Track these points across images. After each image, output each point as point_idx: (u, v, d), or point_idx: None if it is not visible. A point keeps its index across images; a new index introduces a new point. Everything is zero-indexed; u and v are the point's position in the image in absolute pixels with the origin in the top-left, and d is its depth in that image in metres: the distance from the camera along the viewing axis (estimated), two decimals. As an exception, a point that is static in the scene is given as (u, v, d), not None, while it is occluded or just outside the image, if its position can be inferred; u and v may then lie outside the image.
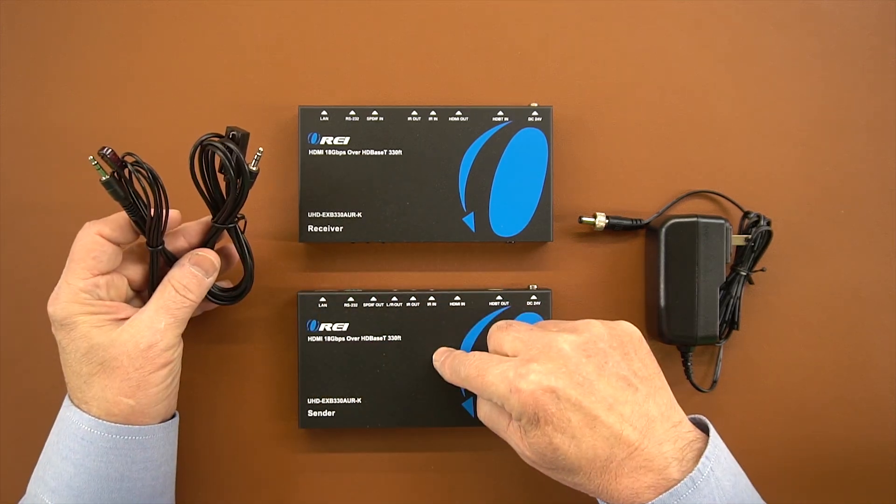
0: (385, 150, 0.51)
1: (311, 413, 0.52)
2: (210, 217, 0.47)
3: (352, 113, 0.51)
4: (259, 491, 0.55)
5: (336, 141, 0.51)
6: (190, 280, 0.45)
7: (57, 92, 0.53)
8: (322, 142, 0.51)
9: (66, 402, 0.45)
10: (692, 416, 0.43)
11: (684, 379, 0.54)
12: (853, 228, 0.55)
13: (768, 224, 0.53)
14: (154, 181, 0.42)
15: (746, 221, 0.54)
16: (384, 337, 0.52)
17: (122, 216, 0.45)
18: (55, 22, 0.53)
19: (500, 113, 0.52)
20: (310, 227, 0.51)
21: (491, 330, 0.45)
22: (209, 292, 0.47)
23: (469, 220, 0.52)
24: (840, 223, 0.55)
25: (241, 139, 0.43)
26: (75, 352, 0.43)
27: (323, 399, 0.52)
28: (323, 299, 0.51)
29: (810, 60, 0.55)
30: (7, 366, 0.54)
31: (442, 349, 0.50)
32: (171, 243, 0.47)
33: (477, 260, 0.55)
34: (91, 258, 0.43)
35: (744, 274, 0.53)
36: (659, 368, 0.43)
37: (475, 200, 0.52)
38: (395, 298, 0.52)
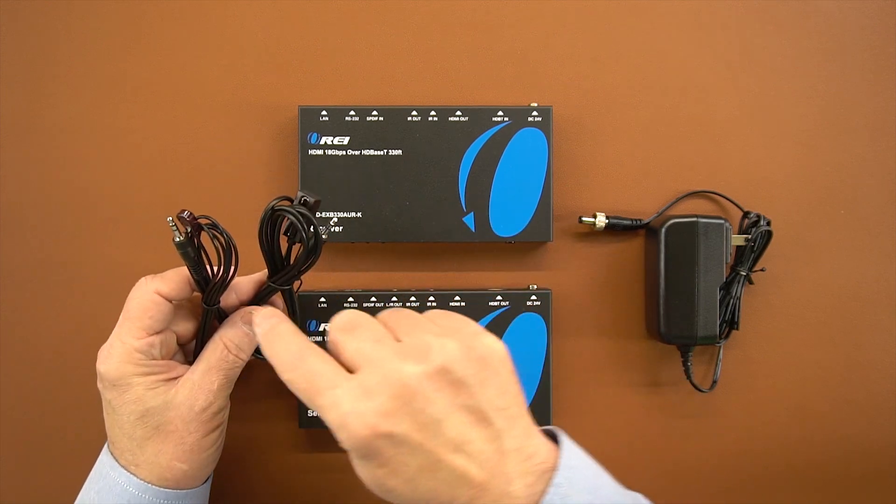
0: (385, 150, 0.51)
1: (311, 413, 0.52)
2: (263, 273, 0.46)
3: (352, 113, 0.51)
4: (259, 491, 0.55)
5: (336, 141, 0.51)
6: (242, 339, 0.44)
7: (57, 92, 0.53)
8: (322, 142, 0.51)
9: (110, 460, 0.43)
10: (544, 427, 0.39)
11: (684, 379, 0.54)
12: (853, 228, 0.55)
13: (768, 224, 0.53)
14: (229, 247, 0.41)
15: (746, 221, 0.54)
16: (384, 337, 0.52)
17: (180, 273, 0.43)
18: (55, 22, 0.53)
19: (500, 113, 0.52)
20: (310, 227, 0.51)
21: (336, 322, 0.38)
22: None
23: (469, 220, 0.52)
24: (840, 223, 0.55)
25: (313, 206, 0.41)
26: (129, 415, 0.42)
27: None
28: (323, 299, 0.51)
29: (810, 60, 0.55)
30: (7, 366, 0.54)
31: (268, 310, 0.42)
32: (223, 299, 0.45)
33: (477, 260, 0.55)
34: (148, 317, 0.42)
35: (744, 274, 0.53)
36: (520, 390, 0.37)
37: (475, 200, 0.52)
38: (394, 298, 0.52)
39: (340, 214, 0.51)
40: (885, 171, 0.55)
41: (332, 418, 0.34)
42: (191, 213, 0.40)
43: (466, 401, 0.35)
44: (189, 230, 0.41)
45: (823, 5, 0.55)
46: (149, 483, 0.41)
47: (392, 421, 0.34)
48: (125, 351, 0.41)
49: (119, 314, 0.50)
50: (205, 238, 0.41)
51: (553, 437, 0.38)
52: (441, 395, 0.35)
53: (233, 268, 0.42)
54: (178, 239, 0.41)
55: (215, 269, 0.42)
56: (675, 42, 0.55)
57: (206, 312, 0.44)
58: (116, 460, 0.42)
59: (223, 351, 0.43)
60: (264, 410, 0.54)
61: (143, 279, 0.43)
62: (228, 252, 0.41)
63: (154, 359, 0.42)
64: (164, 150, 0.54)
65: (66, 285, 0.54)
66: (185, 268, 0.43)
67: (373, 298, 0.52)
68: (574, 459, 0.36)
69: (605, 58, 0.55)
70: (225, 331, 0.44)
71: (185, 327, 0.45)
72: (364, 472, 0.35)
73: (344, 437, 0.34)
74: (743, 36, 0.55)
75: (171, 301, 0.43)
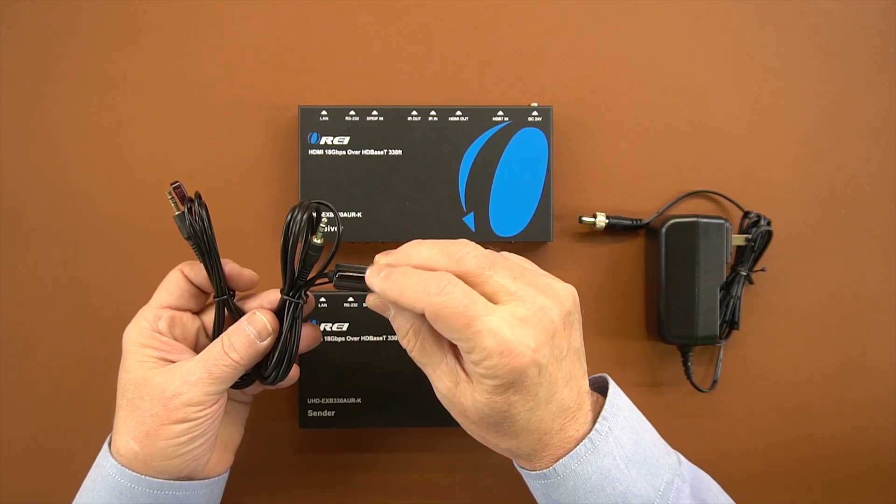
0: (385, 150, 0.51)
1: (310, 413, 0.52)
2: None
3: (352, 113, 0.51)
4: (259, 491, 0.55)
5: (336, 141, 0.51)
6: (239, 339, 0.42)
7: (57, 92, 0.53)
8: (322, 142, 0.51)
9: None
10: (593, 376, 0.42)
11: (684, 379, 0.54)
12: (853, 228, 0.55)
13: (768, 224, 0.53)
14: (203, 229, 0.42)
15: (746, 221, 0.54)
16: (384, 337, 0.52)
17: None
18: (55, 22, 0.53)
19: (500, 113, 0.52)
20: (310, 227, 0.51)
21: (465, 251, 0.37)
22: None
23: (469, 219, 0.52)
24: (840, 223, 0.55)
25: (309, 207, 0.41)
26: (120, 379, 0.42)
27: (323, 399, 0.52)
28: (323, 299, 0.51)
29: (810, 60, 0.55)
30: (8, 366, 0.54)
31: (381, 254, 0.41)
32: (247, 304, 0.45)
33: (477, 260, 0.55)
34: (165, 290, 0.44)
35: (744, 274, 0.53)
36: None
37: (475, 200, 0.52)
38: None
39: (340, 214, 0.51)
40: (885, 171, 0.55)
41: (492, 344, 0.35)
42: (180, 186, 0.41)
43: (574, 341, 0.39)
44: (184, 206, 0.42)
45: (823, 5, 0.55)
46: (111, 452, 0.42)
47: (542, 352, 0.36)
48: (138, 320, 0.43)
49: (118, 313, 0.50)
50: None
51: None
52: (566, 333, 0.38)
53: (210, 249, 0.42)
54: (175, 213, 0.42)
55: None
56: (675, 42, 0.55)
57: (217, 305, 0.44)
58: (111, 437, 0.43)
59: (217, 347, 0.42)
60: (264, 410, 0.54)
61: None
62: (203, 234, 0.42)
63: (159, 332, 0.43)
64: (165, 150, 0.54)
65: (65, 285, 0.54)
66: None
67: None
68: (619, 402, 0.40)
69: (605, 58, 0.55)
70: (229, 330, 0.43)
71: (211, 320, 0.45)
72: (493, 400, 0.36)
73: (500, 364, 0.35)
74: (743, 36, 0.55)
75: (193, 284, 0.44)
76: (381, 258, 0.41)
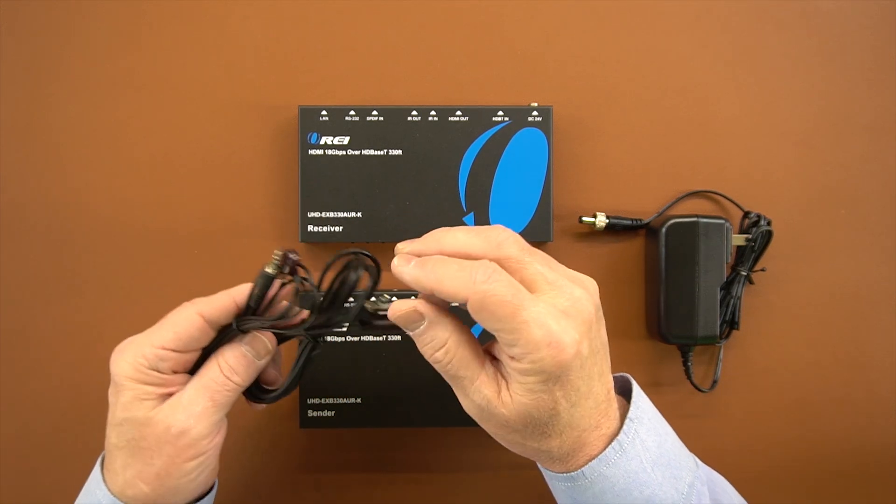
0: (385, 150, 0.51)
1: (311, 413, 0.52)
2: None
3: (352, 113, 0.51)
4: (259, 491, 0.55)
5: (336, 141, 0.51)
6: (238, 361, 0.40)
7: (57, 92, 0.53)
8: (322, 142, 0.51)
9: (99, 464, 0.41)
10: (615, 374, 0.41)
11: (684, 379, 0.54)
12: (853, 228, 0.55)
13: (768, 224, 0.53)
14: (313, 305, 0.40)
15: (747, 221, 0.54)
16: (384, 337, 0.52)
17: (230, 301, 0.40)
18: (55, 22, 0.53)
19: (500, 113, 0.51)
20: (310, 227, 0.51)
21: (505, 237, 0.36)
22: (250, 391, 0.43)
23: (469, 220, 0.52)
24: (840, 223, 0.55)
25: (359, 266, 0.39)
26: (113, 417, 0.39)
27: (323, 399, 0.52)
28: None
29: (810, 60, 0.55)
30: (8, 367, 0.54)
31: (403, 242, 0.39)
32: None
33: (477, 260, 0.55)
34: (173, 332, 0.39)
35: (744, 274, 0.53)
36: None
37: (475, 200, 0.52)
38: (394, 298, 0.51)
39: (340, 214, 0.51)
40: (885, 171, 0.55)
41: (539, 335, 0.33)
42: (296, 258, 0.39)
43: (603, 334, 0.38)
44: (286, 270, 0.39)
45: (823, 5, 0.55)
46: (113, 494, 0.39)
47: (584, 344, 0.34)
48: (134, 353, 0.39)
49: (117, 313, 0.50)
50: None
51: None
52: (598, 326, 0.37)
53: (294, 317, 0.40)
54: (268, 269, 0.39)
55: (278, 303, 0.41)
56: (675, 42, 0.55)
57: (228, 330, 0.41)
58: (101, 462, 0.41)
59: (215, 371, 0.40)
60: (265, 411, 0.54)
61: (194, 300, 0.41)
62: (311, 306, 0.40)
63: (157, 371, 0.39)
64: (165, 149, 0.54)
65: (65, 285, 0.54)
66: (232, 293, 0.40)
67: (372, 298, 0.51)
68: (643, 405, 0.40)
69: (605, 58, 0.55)
70: (224, 349, 0.41)
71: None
72: (535, 396, 0.34)
73: (549, 354, 0.33)
74: (743, 36, 0.55)
75: (209, 324, 0.40)
76: (404, 246, 0.38)
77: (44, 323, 0.54)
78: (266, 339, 0.41)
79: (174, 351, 0.39)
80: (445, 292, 0.35)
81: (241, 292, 0.40)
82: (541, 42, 0.55)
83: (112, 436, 0.39)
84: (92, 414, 0.53)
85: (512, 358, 0.34)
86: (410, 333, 0.38)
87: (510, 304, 0.33)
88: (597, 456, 0.37)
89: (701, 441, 0.56)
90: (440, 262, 0.36)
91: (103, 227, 0.54)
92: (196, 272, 0.54)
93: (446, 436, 0.55)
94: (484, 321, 0.34)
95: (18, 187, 0.53)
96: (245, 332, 0.41)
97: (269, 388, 0.44)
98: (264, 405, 0.44)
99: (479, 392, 0.36)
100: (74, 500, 0.43)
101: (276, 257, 0.39)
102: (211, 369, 0.40)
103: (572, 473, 0.37)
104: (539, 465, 0.41)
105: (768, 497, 0.56)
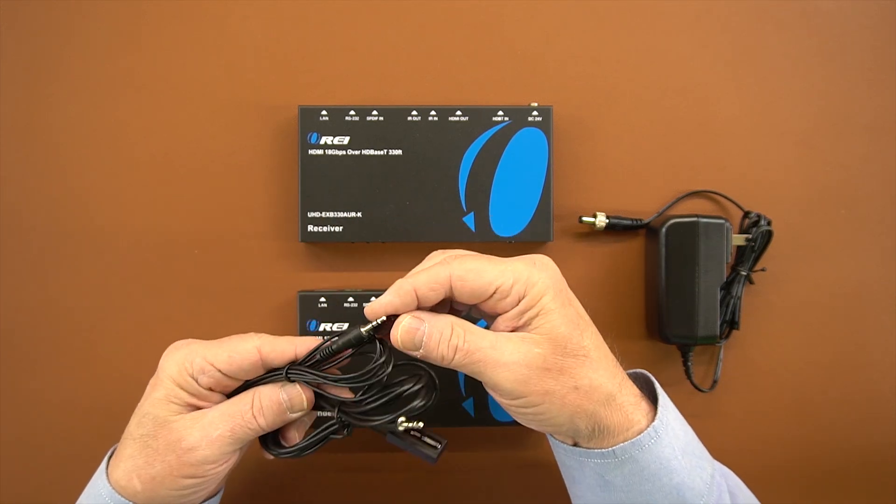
0: (385, 150, 0.51)
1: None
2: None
3: (352, 113, 0.51)
4: (260, 490, 0.55)
5: (336, 141, 0.51)
6: (271, 406, 0.40)
7: (57, 92, 0.53)
8: (322, 141, 0.51)
9: (108, 452, 0.42)
10: (630, 371, 0.43)
11: (684, 379, 0.54)
12: (853, 228, 0.55)
13: (768, 224, 0.53)
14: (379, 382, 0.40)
15: (747, 221, 0.54)
16: (384, 337, 0.52)
17: (291, 349, 0.41)
18: (55, 22, 0.53)
19: (500, 113, 0.51)
20: (310, 227, 0.51)
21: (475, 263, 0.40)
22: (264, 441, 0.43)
23: (469, 219, 0.52)
24: (840, 223, 0.55)
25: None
26: (141, 407, 0.40)
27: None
28: (323, 299, 0.51)
29: (810, 60, 0.55)
30: (8, 367, 0.54)
31: (437, 251, 0.43)
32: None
33: (477, 260, 0.55)
34: (228, 356, 0.40)
35: (744, 274, 0.53)
36: None
37: (475, 200, 0.52)
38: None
39: (340, 214, 0.51)
40: (885, 171, 0.55)
41: (510, 277, 0.38)
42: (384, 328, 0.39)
43: (574, 298, 0.41)
44: (374, 334, 0.39)
45: (823, 5, 0.55)
46: (110, 483, 0.40)
47: (552, 282, 0.39)
48: (184, 356, 0.40)
49: (117, 312, 0.50)
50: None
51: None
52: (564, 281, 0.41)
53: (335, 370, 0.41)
54: (364, 329, 0.39)
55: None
56: (675, 42, 0.55)
57: (276, 372, 0.41)
58: (111, 454, 0.42)
59: (246, 405, 0.40)
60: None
61: (259, 334, 0.41)
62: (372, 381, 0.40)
63: (197, 381, 0.40)
64: (165, 149, 0.54)
65: (65, 285, 0.54)
66: (296, 342, 0.41)
67: (372, 298, 0.51)
68: (666, 396, 0.41)
69: (605, 58, 0.55)
70: (263, 388, 0.41)
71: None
72: (558, 328, 0.38)
73: (526, 278, 0.38)
74: (743, 36, 0.55)
75: (264, 362, 0.40)
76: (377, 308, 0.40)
77: (44, 323, 0.54)
78: (305, 397, 0.41)
79: (220, 372, 0.40)
80: (422, 287, 0.39)
81: (304, 344, 0.41)
82: (541, 42, 0.55)
83: (133, 424, 0.40)
84: (92, 414, 0.53)
85: (505, 310, 0.38)
86: (418, 354, 0.39)
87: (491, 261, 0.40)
88: (633, 438, 0.38)
89: (701, 441, 0.56)
90: (409, 277, 0.40)
91: (103, 227, 0.54)
92: (196, 272, 0.54)
93: (447, 435, 0.55)
94: (462, 296, 0.39)
95: (18, 187, 0.53)
96: (290, 381, 0.41)
97: (284, 444, 0.43)
98: (272, 456, 0.43)
99: (512, 355, 0.37)
100: (74, 500, 0.43)
101: (377, 321, 0.39)
102: (243, 402, 0.40)
103: (604, 450, 0.38)
104: (562, 446, 0.41)
105: (768, 497, 0.56)
